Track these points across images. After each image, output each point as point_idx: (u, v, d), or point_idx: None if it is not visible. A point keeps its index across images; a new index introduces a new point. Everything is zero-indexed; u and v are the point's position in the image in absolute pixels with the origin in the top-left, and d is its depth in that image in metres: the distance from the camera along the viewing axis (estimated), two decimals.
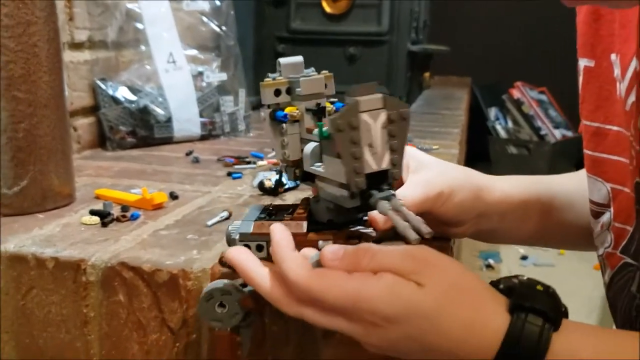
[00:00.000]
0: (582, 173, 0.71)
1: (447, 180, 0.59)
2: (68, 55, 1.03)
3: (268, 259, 0.51)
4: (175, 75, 1.15)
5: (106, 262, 0.59)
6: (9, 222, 0.69)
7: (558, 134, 3.29)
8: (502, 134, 3.37)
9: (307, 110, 0.54)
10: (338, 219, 0.54)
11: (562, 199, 0.71)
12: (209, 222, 0.69)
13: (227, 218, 0.71)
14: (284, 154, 0.55)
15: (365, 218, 0.54)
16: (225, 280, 0.52)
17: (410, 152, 0.60)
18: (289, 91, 0.55)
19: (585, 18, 0.60)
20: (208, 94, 1.18)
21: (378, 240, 0.51)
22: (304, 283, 0.45)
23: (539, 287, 0.46)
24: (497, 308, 0.45)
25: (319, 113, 0.55)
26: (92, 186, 0.83)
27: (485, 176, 0.65)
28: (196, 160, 1.01)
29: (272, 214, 0.57)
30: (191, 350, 0.58)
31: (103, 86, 1.08)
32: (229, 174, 0.92)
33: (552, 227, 0.70)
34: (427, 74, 2.00)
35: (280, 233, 0.49)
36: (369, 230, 0.53)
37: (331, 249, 0.47)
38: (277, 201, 0.79)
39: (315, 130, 0.53)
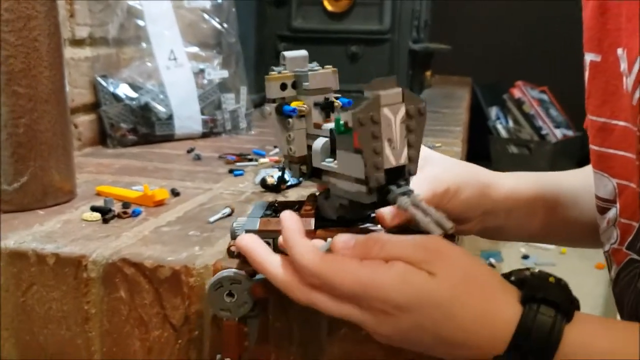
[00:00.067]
0: (587, 169, 0.70)
1: (454, 177, 0.59)
2: (69, 52, 1.02)
3: None
4: (177, 72, 1.14)
5: (107, 258, 0.58)
6: (9, 218, 0.68)
7: (559, 133, 3.28)
8: (503, 133, 3.36)
9: (316, 104, 0.53)
10: (350, 215, 0.53)
11: (566, 195, 0.70)
12: (211, 219, 0.68)
13: (230, 215, 0.70)
14: (290, 150, 0.54)
15: (373, 215, 0.53)
16: (235, 269, 0.52)
17: None
18: (294, 85, 0.54)
19: (591, 12, 0.60)
20: (209, 91, 1.17)
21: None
22: (315, 267, 0.44)
23: (551, 279, 0.45)
24: (509, 299, 0.44)
25: (327, 108, 0.54)
26: (93, 183, 0.82)
27: (491, 172, 0.65)
28: (197, 158, 1.01)
29: (278, 210, 0.56)
30: (194, 347, 0.58)
31: (104, 83, 1.08)
32: (231, 171, 0.91)
33: (557, 224, 0.69)
34: (428, 73, 1.99)
35: (291, 220, 0.48)
36: (378, 227, 0.53)
37: (342, 238, 0.46)
38: (280, 198, 0.79)
39: (325, 125, 0.52)
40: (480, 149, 3.02)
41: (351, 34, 1.54)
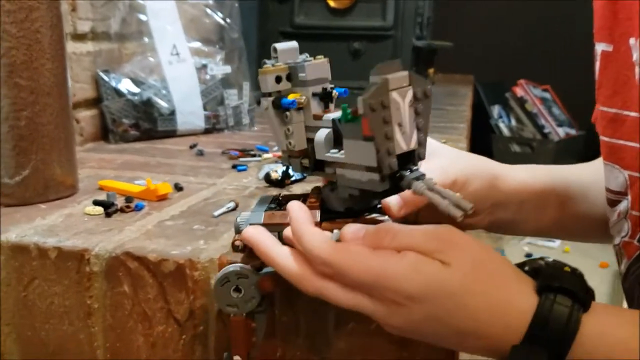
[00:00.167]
0: (596, 163, 0.70)
1: (462, 168, 0.58)
2: (70, 47, 1.01)
3: None
4: (179, 67, 1.13)
5: (110, 252, 0.57)
6: (11, 212, 0.67)
7: (561, 132, 3.27)
8: (505, 132, 3.35)
9: (314, 95, 0.52)
10: (359, 205, 0.52)
11: (575, 189, 0.69)
12: (216, 213, 0.67)
13: (234, 209, 0.69)
14: (289, 144, 0.53)
15: (379, 206, 0.52)
16: (241, 264, 0.51)
17: None
18: (289, 77, 0.52)
19: (602, 1, 0.59)
20: (212, 86, 1.16)
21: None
22: (327, 256, 0.44)
23: (566, 269, 0.44)
24: (524, 289, 0.43)
25: (326, 98, 0.53)
26: (95, 178, 0.82)
27: (500, 164, 0.64)
28: (200, 153, 1.00)
29: (282, 204, 0.55)
30: (198, 343, 0.57)
31: (106, 78, 1.07)
32: (234, 167, 0.90)
33: (567, 218, 0.68)
34: (431, 70, 1.98)
35: (298, 210, 0.47)
36: (385, 217, 0.52)
37: (351, 229, 0.45)
38: (285, 193, 0.78)
39: (326, 116, 0.51)
40: (483, 147, 3.01)
41: (354, 30, 1.53)
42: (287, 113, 0.52)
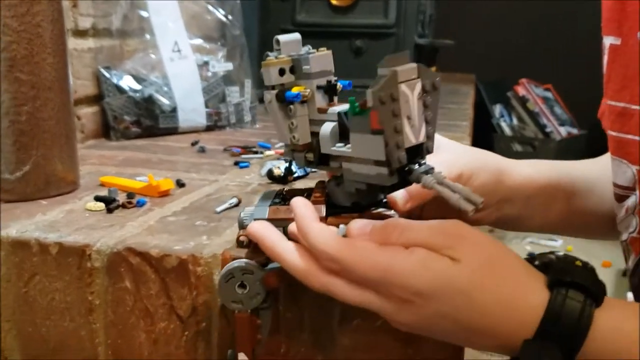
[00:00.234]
0: (602, 160, 0.69)
1: (467, 162, 0.57)
2: (72, 43, 1.00)
3: None
4: (181, 64, 1.12)
5: (112, 247, 0.57)
6: (11, 208, 0.66)
7: (563, 131, 3.27)
8: (507, 131, 3.34)
9: (319, 88, 0.51)
10: (365, 200, 0.51)
11: (580, 184, 0.68)
12: (218, 209, 0.67)
13: (237, 205, 0.69)
14: (293, 138, 0.52)
15: (385, 200, 0.52)
16: (246, 259, 0.50)
17: None
18: (292, 70, 0.52)
19: None
20: (214, 84, 1.16)
21: None
22: (333, 251, 0.43)
23: (577, 263, 0.43)
24: (534, 284, 0.43)
25: (330, 91, 0.52)
26: (96, 174, 0.81)
27: (505, 159, 0.63)
28: (202, 150, 0.99)
29: (286, 199, 0.54)
30: (201, 339, 0.56)
31: (107, 75, 1.06)
32: (236, 164, 0.90)
33: (574, 214, 0.67)
34: (433, 69, 1.98)
35: (303, 206, 0.47)
36: (391, 212, 0.51)
37: (358, 224, 0.44)
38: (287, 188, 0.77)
39: (331, 109, 0.50)
40: (485, 146, 2.99)
41: (356, 28, 1.52)
42: (291, 106, 0.51)
